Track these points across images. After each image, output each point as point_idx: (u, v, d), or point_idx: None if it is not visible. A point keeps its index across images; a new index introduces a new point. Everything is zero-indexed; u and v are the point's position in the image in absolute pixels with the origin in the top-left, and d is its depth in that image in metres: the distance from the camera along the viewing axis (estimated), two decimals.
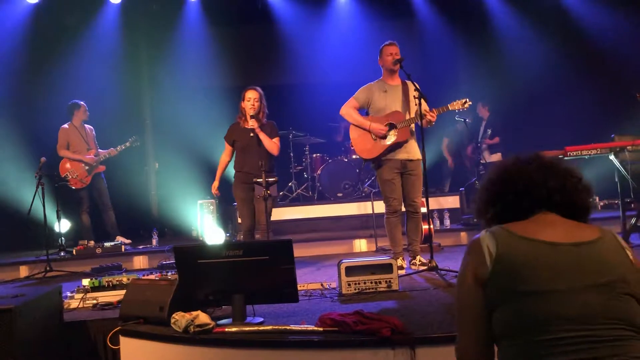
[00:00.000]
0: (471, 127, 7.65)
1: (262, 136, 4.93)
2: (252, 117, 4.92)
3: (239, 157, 5.06)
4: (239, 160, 5.07)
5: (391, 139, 4.67)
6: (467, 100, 4.61)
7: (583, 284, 1.32)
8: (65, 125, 6.82)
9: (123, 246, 6.33)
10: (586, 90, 7.97)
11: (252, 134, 4.91)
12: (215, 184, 5.22)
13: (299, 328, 2.90)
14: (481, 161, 7.39)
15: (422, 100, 4.46)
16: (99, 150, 6.87)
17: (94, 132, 6.99)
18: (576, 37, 8.33)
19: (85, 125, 6.92)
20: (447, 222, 6.79)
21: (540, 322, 1.32)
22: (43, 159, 5.99)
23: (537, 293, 1.33)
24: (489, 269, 1.39)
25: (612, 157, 5.07)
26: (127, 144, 6.89)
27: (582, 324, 1.29)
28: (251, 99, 4.96)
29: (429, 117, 4.52)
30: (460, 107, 4.61)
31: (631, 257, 1.41)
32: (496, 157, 7.91)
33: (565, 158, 5.01)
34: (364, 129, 4.76)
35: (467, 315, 1.44)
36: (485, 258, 1.40)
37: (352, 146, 5.00)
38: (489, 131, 7.97)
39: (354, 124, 4.84)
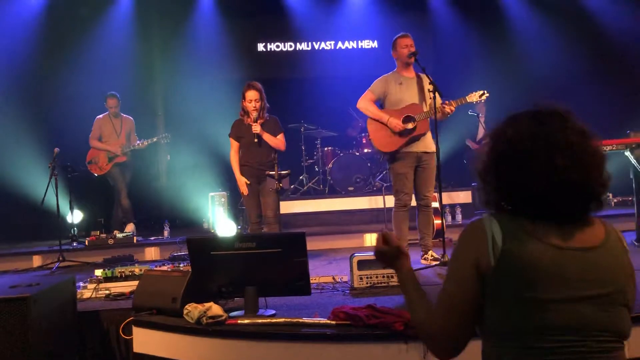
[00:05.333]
0: (486, 123, 7.58)
1: (267, 137, 4.97)
2: (255, 120, 4.92)
3: (245, 152, 5.07)
4: (244, 155, 5.08)
5: (409, 131, 4.62)
6: (485, 92, 4.54)
7: (584, 294, 1.29)
8: (100, 116, 6.91)
9: (135, 237, 6.35)
10: (602, 86, 7.88)
11: (255, 140, 4.93)
12: (243, 181, 5.02)
13: (312, 321, 2.90)
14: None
15: (437, 94, 4.41)
16: (138, 142, 6.88)
17: (130, 124, 7.00)
18: (592, 32, 8.25)
19: (124, 115, 6.97)
20: (459, 217, 6.74)
21: (535, 329, 1.28)
22: (56, 149, 6.03)
23: (538, 300, 1.28)
24: (492, 263, 1.31)
25: (627, 153, 4.99)
26: (155, 139, 6.89)
27: (576, 335, 1.28)
28: (252, 100, 4.93)
29: (447, 109, 4.47)
30: (478, 99, 4.56)
31: (628, 260, 1.39)
32: None
33: None
34: (382, 123, 4.70)
35: (457, 300, 1.36)
36: (489, 249, 1.31)
37: (371, 139, 4.91)
38: None
39: (371, 118, 4.78)
